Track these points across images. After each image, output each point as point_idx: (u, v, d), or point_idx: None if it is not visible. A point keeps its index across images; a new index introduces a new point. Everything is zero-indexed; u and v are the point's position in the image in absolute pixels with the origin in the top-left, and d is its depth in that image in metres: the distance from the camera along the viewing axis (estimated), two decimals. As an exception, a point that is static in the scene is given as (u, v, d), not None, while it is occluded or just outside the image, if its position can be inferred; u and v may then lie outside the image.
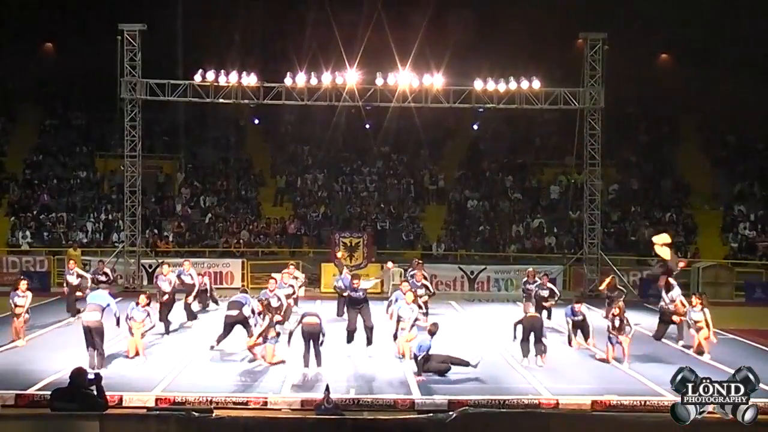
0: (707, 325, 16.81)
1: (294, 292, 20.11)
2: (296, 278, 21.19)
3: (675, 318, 17.82)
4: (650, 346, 18.14)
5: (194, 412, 9.33)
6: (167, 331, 18.30)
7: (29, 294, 17.35)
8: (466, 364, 14.70)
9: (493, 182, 35.47)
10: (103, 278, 21.07)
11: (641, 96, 37.40)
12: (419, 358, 14.55)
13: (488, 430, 9.24)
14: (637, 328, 20.20)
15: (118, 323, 15.59)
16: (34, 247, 30.12)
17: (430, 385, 14.07)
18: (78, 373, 10.33)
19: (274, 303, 16.14)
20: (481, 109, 29.07)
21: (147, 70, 26.75)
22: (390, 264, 23.82)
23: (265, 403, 13.03)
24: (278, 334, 15.38)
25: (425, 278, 20.42)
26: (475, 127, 36.69)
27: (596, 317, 20.97)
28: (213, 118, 35.56)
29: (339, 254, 26.41)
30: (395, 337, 16.25)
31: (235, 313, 16.12)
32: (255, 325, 15.55)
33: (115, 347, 16.84)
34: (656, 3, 34.06)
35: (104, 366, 14.52)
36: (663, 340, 18.87)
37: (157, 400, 12.91)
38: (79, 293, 20.23)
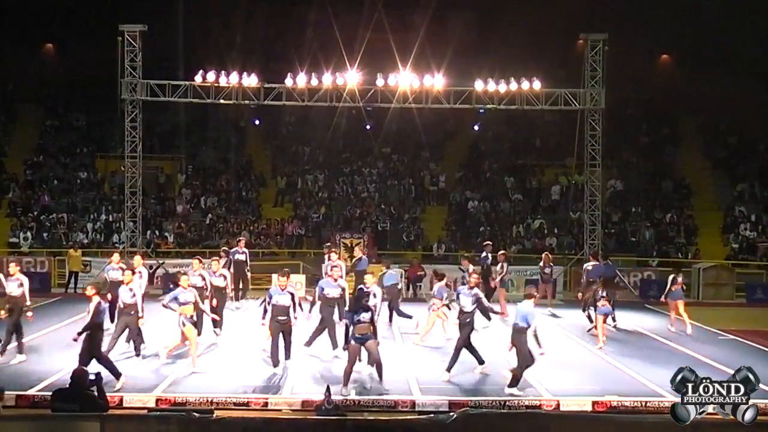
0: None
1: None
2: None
3: None
4: (650, 346, 18.16)
5: (195, 413, 9.34)
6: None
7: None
8: None
9: (494, 183, 35.48)
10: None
11: (642, 97, 37.43)
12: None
13: (489, 431, 9.24)
14: (637, 328, 20.37)
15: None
16: (35, 248, 30.14)
17: (430, 386, 14.07)
18: (79, 374, 10.34)
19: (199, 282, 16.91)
20: (481, 110, 29.10)
21: (147, 70, 26.76)
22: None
23: (266, 404, 13.03)
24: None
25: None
26: (476, 127, 36.71)
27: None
28: (213, 118, 35.56)
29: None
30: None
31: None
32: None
33: (116, 347, 16.87)
34: (657, 4, 34.10)
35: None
36: (663, 339, 18.92)
37: (157, 400, 12.91)
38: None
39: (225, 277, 18.37)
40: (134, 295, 15.43)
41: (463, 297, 14.87)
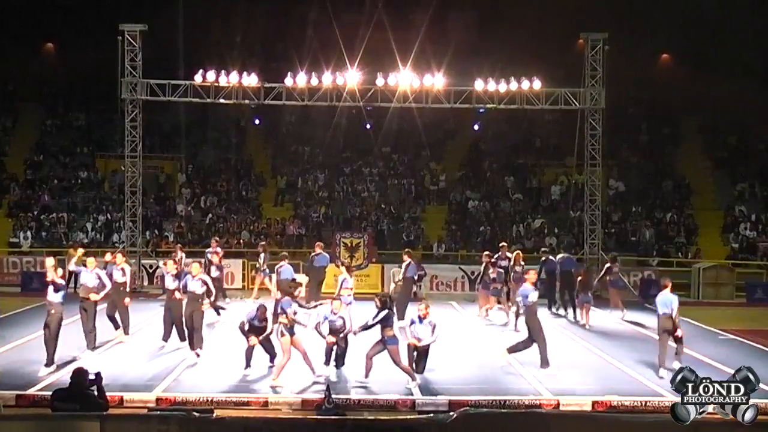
0: None
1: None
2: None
3: None
4: (650, 346, 18.14)
5: (195, 412, 9.33)
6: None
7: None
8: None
9: (494, 182, 35.48)
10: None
11: (642, 96, 37.43)
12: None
13: (489, 431, 9.24)
14: (637, 328, 20.37)
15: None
16: (35, 248, 30.13)
17: (431, 385, 14.07)
18: (79, 374, 10.33)
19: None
20: (481, 110, 29.13)
21: (147, 70, 26.74)
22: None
23: (266, 404, 13.02)
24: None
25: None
26: (476, 127, 36.76)
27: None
28: (214, 118, 35.59)
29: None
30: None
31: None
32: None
33: (115, 346, 16.87)
34: (657, 3, 34.10)
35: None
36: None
37: (157, 400, 12.90)
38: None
39: (204, 283, 16.11)
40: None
41: (419, 328, 14.49)
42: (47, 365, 14.49)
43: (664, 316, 15.04)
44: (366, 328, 14.29)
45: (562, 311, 22.14)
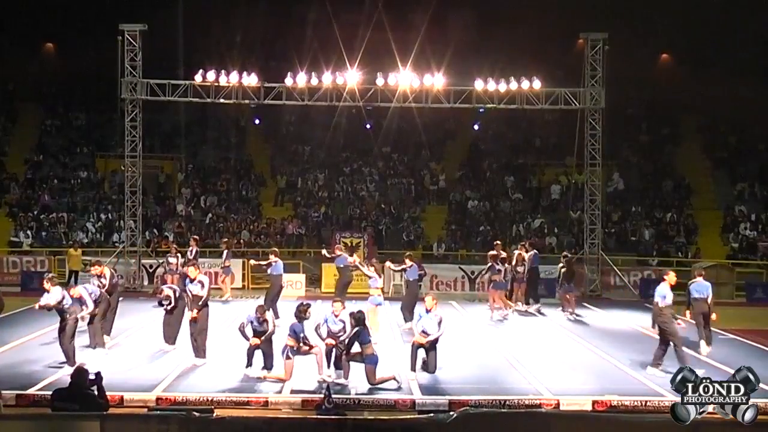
0: None
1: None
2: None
3: None
4: (650, 346, 18.14)
5: (195, 412, 9.32)
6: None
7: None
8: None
9: (494, 182, 35.49)
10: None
11: (642, 96, 37.44)
12: None
13: (489, 431, 9.24)
14: (637, 328, 20.36)
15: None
16: (35, 247, 30.14)
17: (431, 385, 14.07)
18: (79, 373, 10.34)
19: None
20: (481, 110, 29.13)
21: (147, 70, 26.74)
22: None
23: (266, 403, 13.01)
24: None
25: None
26: (476, 127, 36.79)
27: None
28: (213, 118, 35.65)
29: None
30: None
31: None
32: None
33: (115, 347, 16.86)
34: (657, 4, 34.11)
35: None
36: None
37: (157, 399, 12.89)
38: None
39: (203, 285, 15.64)
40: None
41: (426, 321, 14.81)
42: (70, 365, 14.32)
43: (701, 301, 16.48)
44: (341, 342, 14.11)
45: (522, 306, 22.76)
